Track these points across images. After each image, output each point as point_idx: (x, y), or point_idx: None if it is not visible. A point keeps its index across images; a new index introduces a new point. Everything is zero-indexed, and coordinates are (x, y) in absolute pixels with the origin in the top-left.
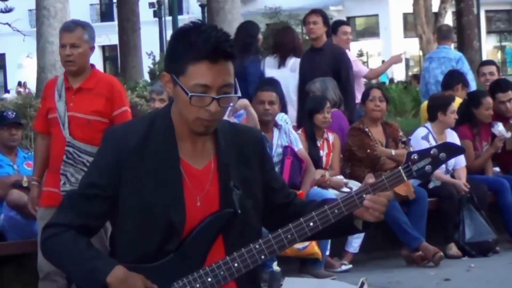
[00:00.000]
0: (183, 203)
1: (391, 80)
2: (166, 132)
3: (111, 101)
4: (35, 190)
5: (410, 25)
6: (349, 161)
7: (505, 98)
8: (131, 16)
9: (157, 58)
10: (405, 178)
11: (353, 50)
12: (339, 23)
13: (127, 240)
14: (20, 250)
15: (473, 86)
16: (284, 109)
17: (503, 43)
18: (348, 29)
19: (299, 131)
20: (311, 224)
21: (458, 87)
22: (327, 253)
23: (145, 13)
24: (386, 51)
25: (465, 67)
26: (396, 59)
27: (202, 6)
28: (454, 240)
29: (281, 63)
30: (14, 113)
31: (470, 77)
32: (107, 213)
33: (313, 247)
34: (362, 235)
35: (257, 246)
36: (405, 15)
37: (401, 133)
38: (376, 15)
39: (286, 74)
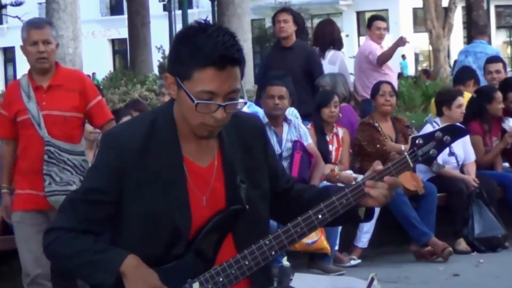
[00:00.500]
0: (188, 206)
1: (400, 75)
2: (169, 132)
3: (84, 94)
4: (7, 198)
5: (420, 20)
6: (358, 156)
7: None
8: (140, 9)
9: (167, 52)
10: (411, 163)
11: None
12: (374, 18)
13: (131, 245)
14: None
15: None
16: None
17: None
18: (382, 24)
19: (309, 126)
20: (320, 216)
21: (470, 83)
22: (336, 248)
23: (155, 7)
24: None
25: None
26: (400, 42)
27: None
28: (463, 236)
29: (320, 56)
30: None
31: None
32: (110, 218)
33: (322, 242)
34: (371, 230)
35: (267, 242)
36: (415, 10)
37: (410, 129)
38: (386, 10)
39: (325, 67)
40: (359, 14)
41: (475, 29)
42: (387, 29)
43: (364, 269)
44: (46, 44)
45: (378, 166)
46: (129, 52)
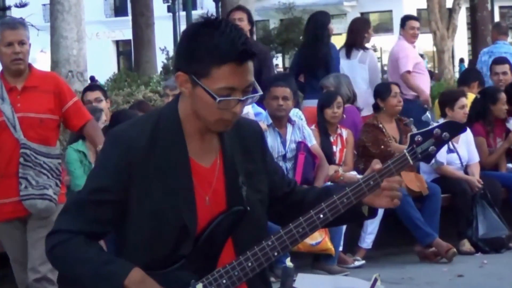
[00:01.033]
0: (194, 205)
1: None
2: (174, 131)
3: (59, 95)
4: None
5: (424, 21)
6: (362, 157)
7: None
8: (145, 11)
9: (171, 53)
10: (410, 160)
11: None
12: (408, 17)
13: (138, 245)
14: None
15: None
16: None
17: None
18: (416, 24)
19: (313, 127)
20: (321, 216)
21: (474, 85)
22: (340, 248)
23: (159, 8)
24: None
25: None
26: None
27: (216, 1)
28: (467, 236)
29: (348, 54)
30: None
31: None
32: (116, 218)
33: (326, 242)
34: (375, 230)
35: (269, 243)
36: (419, 11)
37: (414, 129)
38: (390, 11)
39: (354, 65)
40: (363, 15)
41: (497, 30)
42: (420, 28)
43: (368, 270)
44: (21, 45)
45: (376, 165)
46: (133, 53)
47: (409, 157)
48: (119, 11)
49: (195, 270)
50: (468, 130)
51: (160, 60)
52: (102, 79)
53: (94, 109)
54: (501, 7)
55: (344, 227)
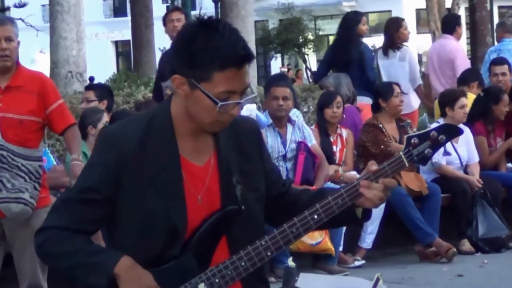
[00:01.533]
0: (184, 206)
1: None
2: (166, 131)
3: (43, 97)
4: None
5: (423, 21)
6: (362, 157)
7: None
8: (144, 11)
9: None
10: (406, 163)
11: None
12: (460, 22)
13: (128, 245)
14: None
15: None
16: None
17: None
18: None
19: (313, 127)
20: (316, 216)
21: (474, 85)
22: (340, 248)
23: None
24: None
25: None
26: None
27: (215, 1)
28: (467, 236)
29: (386, 53)
30: None
31: None
32: (104, 218)
33: (326, 242)
34: (375, 230)
35: (263, 243)
36: (418, 11)
37: (414, 129)
38: (389, 11)
39: (395, 63)
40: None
41: (502, 28)
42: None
43: (368, 270)
44: (8, 41)
45: (372, 166)
46: (132, 54)
47: (405, 159)
48: (118, 11)
49: (187, 269)
50: (468, 130)
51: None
52: (101, 80)
53: (95, 110)
54: (500, 7)
55: (344, 227)
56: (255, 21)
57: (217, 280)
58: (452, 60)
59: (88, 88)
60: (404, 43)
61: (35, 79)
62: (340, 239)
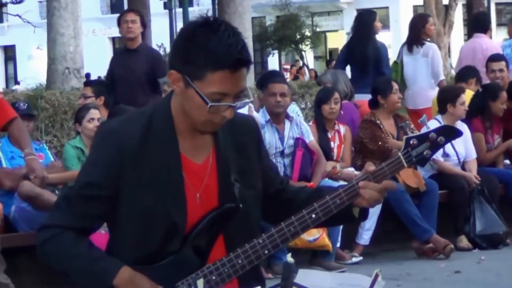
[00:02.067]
0: (184, 203)
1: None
2: (166, 128)
3: None
4: None
5: None
6: (360, 153)
7: None
8: (141, 8)
9: (167, 50)
10: (405, 164)
11: None
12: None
13: (127, 242)
14: (31, 241)
15: None
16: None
17: None
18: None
19: (311, 123)
20: (313, 216)
21: (472, 81)
22: (338, 245)
23: (155, 5)
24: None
25: None
26: None
27: None
28: (464, 233)
29: (410, 49)
30: (26, 104)
31: None
32: (106, 214)
33: (323, 239)
34: (373, 227)
35: (260, 241)
36: (415, 8)
37: (412, 126)
38: (387, 8)
39: (418, 59)
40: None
41: None
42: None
43: (366, 266)
44: None
45: (370, 167)
46: None
47: (403, 161)
48: (115, 8)
49: (185, 266)
50: (466, 126)
51: None
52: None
53: (83, 107)
54: (497, 4)
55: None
56: (252, 18)
57: (213, 277)
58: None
59: (85, 84)
60: (428, 39)
61: None
62: (337, 236)
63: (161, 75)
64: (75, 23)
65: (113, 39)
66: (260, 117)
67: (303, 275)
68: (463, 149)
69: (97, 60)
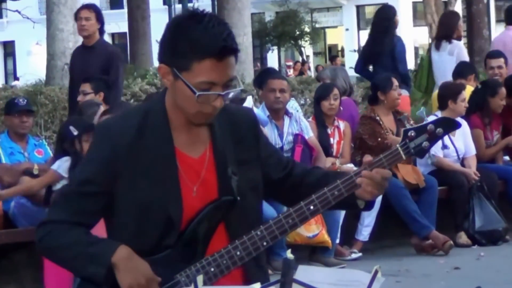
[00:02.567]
0: (180, 197)
1: None
2: (161, 123)
3: None
4: None
5: (419, 13)
6: (359, 149)
7: None
8: (140, 3)
9: None
10: (403, 155)
11: (362, 38)
12: None
13: (124, 236)
14: (31, 237)
15: None
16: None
17: None
18: None
19: (310, 119)
20: (312, 207)
21: (470, 77)
22: (337, 241)
23: (154, 1)
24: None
25: None
26: None
27: None
28: (464, 229)
29: (438, 46)
30: (26, 100)
31: None
32: (102, 210)
33: (323, 235)
34: (372, 223)
35: (258, 233)
36: (415, 4)
37: (412, 122)
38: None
39: (444, 57)
40: (359, 7)
41: None
42: None
43: (365, 262)
44: None
45: (368, 158)
46: (129, 46)
47: (401, 152)
48: (114, 4)
49: (183, 258)
50: (465, 122)
51: (156, 52)
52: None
53: (91, 103)
54: (496, 0)
55: (341, 220)
56: (252, 14)
57: (212, 269)
58: None
59: (84, 80)
60: (457, 38)
61: None
62: (337, 232)
63: (115, 72)
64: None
65: (113, 35)
66: (261, 112)
67: (302, 271)
68: (462, 146)
69: None
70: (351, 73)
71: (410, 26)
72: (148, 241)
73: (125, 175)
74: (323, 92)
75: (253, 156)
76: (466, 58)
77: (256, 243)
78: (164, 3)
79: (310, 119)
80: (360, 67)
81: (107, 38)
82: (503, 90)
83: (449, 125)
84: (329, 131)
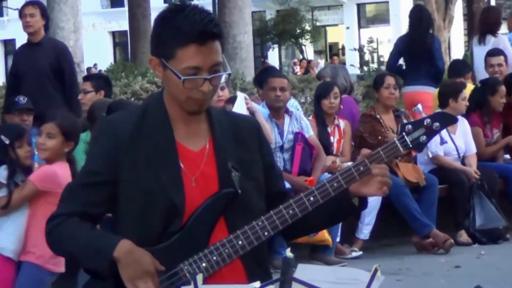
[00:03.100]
0: (181, 184)
1: None
2: (160, 116)
3: None
4: None
5: None
6: (360, 147)
7: None
8: (141, 1)
9: None
10: (400, 148)
11: (363, 36)
12: None
13: (130, 225)
14: None
15: None
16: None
17: None
18: None
19: (310, 118)
20: (312, 198)
21: (468, 76)
22: (338, 239)
23: None
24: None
25: None
26: None
27: None
28: (464, 227)
29: (481, 41)
30: (26, 99)
31: None
32: (107, 200)
33: (323, 233)
34: (372, 221)
35: (259, 223)
36: (416, 2)
37: (399, 118)
38: (386, 2)
39: (485, 52)
40: (360, 6)
41: None
42: None
43: (366, 261)
44: None
45: (366, 151)
46: (129, 44)
47: (399, 145)
48: (115, 2)
49: (185, 248)
50: (465, 121)
51: None
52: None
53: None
54: None
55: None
56: (252, 12)
57: (214, 257)
58: None
59: (85, 79)
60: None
61: None
62: (337, 230)
63: (67, 68)
64: (75, 17)
65: (113, 33)
66: (262, 108)
67: (302, 270)
68: (463, 144)
69: (97, 55)
70: (351, 71)
71: None
72: (152, 229)
73: (128, 164)
74: (324, 91)
75: (256, 158)
76: (510, 52)
77: (258, 233)
78: (165, 1)
79: (310, 118)
80: (393, 63)
81: (108, 36)
82: (503, 88)
83: (446, 120)
84: (329, 129)
